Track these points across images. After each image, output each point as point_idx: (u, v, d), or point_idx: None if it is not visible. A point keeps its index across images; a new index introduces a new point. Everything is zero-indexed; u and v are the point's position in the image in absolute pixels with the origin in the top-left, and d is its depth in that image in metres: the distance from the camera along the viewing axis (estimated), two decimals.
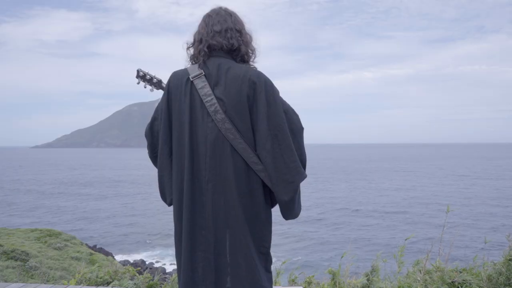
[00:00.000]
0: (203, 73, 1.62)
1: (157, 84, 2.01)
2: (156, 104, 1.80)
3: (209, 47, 1.65)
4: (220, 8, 1.73)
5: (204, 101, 1.59)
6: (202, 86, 1.61)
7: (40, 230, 12.72)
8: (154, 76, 2.00)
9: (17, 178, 69.16)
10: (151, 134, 1.81)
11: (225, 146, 1.58)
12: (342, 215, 31.91)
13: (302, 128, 1.67)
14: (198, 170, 1.60)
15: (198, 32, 1.70)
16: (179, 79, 1.67)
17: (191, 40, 1.74)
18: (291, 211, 1.65)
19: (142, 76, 1.99)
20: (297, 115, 1.67)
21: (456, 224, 25.46)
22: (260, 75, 1.61)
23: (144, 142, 1.84)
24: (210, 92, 1.59)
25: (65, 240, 12.23)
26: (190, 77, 1.64)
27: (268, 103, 1.57)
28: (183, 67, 1.73)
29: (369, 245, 21.80)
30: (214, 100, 1.58)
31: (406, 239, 3.25)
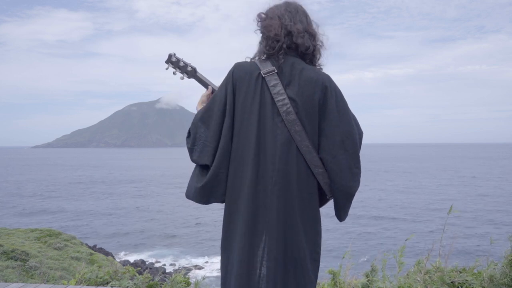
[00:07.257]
0: (276, 71, 1.57)
1: (191, 73, 1.86)
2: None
3: (288, 46, 1.59)
4: (298, 5, 1.65)
5: (275, 100, 1.55)
6: (274, 84, 1.55)
7: (40, 230, 12.72)
8: (189, 64, 1.85)
9: (17, 178, 69.15)
10: (202, 125, 1.64)
11: (291, 148, 1.55)
12: None
13: (362, 134, 1.70)
14: (264, 171, 1.54)
15: (274, 28, 1.60)
16: (247, 72, 1.59)
17: (259, 32, 1.65)
18: (346, 211, 1.69)
19: (175, 62, 1.83)
20: (359, 124, 1.67)
21: (457, 224, 25.51)
22: (331, 80, 1.60)
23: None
24: (283, 91, 1.55)
25: (65, 240, 12.24)
26: (261, 72, 1.57)
27: (338, 108, 1.57)
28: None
29: (369, 245, 21.81)
30: (287, 100, 1.54)
31: (406, 240, 3.25)
